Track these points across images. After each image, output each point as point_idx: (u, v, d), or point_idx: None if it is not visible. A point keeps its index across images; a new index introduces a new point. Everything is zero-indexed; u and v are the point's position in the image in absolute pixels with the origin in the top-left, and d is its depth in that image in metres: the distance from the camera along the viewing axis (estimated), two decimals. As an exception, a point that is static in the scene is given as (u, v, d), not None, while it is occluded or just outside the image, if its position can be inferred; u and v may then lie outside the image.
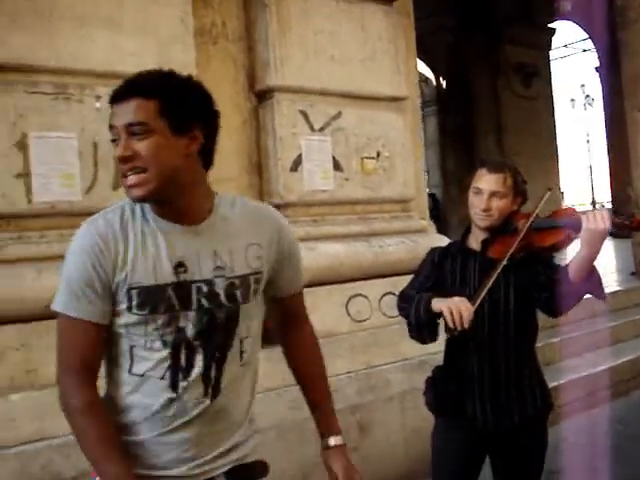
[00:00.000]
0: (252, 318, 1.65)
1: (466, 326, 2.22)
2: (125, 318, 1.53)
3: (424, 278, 2.64)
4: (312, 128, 4.13)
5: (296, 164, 4.06)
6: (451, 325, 2.25)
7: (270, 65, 4.05)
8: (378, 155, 4.41)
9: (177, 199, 1.53)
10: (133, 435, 1.58)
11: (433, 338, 2.50)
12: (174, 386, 1.55)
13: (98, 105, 3.43)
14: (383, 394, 4.03)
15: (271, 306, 1.78)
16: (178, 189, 1.52)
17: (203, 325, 1.55)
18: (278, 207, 4.02)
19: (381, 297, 4.19)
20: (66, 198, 3.32)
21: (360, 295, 4.11)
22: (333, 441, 1.86)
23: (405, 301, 2.58)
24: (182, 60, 3.70)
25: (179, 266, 1.53)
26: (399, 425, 4.09)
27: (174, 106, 1.50)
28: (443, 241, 4.49)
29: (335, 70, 4.22)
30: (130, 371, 1.56)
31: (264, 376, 3.65)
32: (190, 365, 1.55)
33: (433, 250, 2.72)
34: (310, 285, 3.93)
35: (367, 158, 4.35)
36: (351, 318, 4.06)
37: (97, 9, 3.45)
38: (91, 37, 3.45)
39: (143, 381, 1.55)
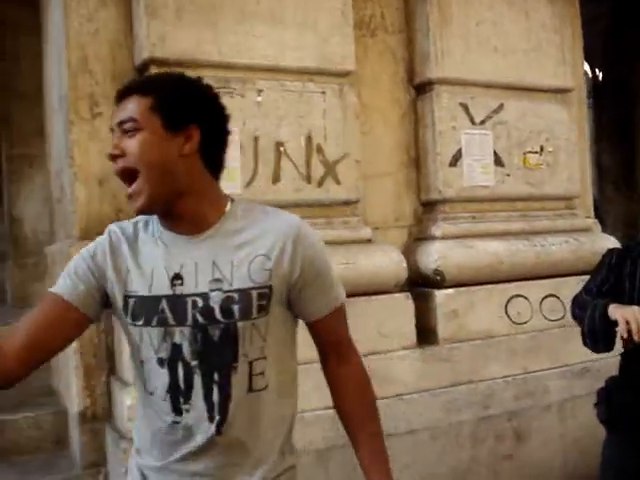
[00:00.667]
0: (266, 338, 1.44)
1: None
2: (131, 329, 1.47)
3: (600, 282, 2.45)
4: (472, 121, 3.98)
5: (455, 159, 3.92)
6: (625, 336, 2.08)
7: (430, 57, 3.93)
8: (541, 149, 4.19)
9: (177, 205, 1.43)
10: (147, 459, 1.52)
11: (608, 348, 2.32)
12: (176, 409, 1.44)
13: (259, 99, 3.46)
14: (541, 401, 3.83)
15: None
16: (176, 193, 1.42)
17: (198, 343, 1.41)
18: (436, 203, 3.95)
19: (542, 299, 3.98)
20: (227, 191, 3.34)
21: (520, 296, 3.92)
22: None
23: (579, 307, 2.41)
24: (341, 53, 3.67)
25: (175, 278, 1.43)
26: (557, 435, 3.88)
27: (168, 101, 1.42)
28: (610, 241, 4.22)
29: (498, 61, 4.05)
30: (144, 388, 1.49)
31: (418, 376, 3.63)
32: (189, 387, 1.42)
33: (610, 251, 2.53)
34: (468, 284, 3.85)
35: (530, 153, 4.15)
36: (510, 320, 3.88)
37: (258, 3, 3.47)
38: (253, 31, 3.47)
39: (152, 400, 1.47)
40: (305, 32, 3.59)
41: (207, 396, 1.41)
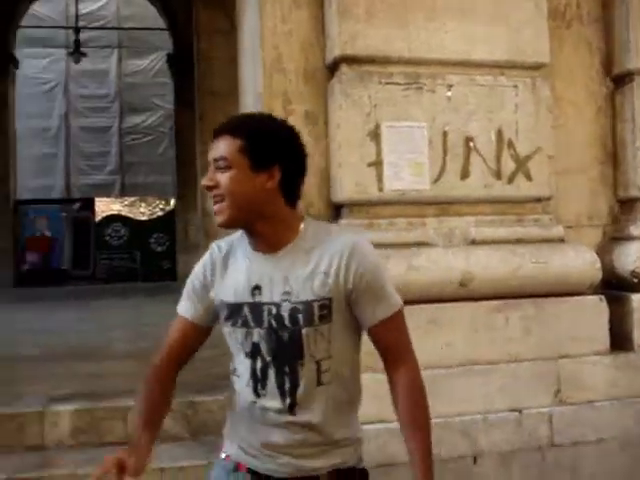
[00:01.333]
0: (331, 341, 1.71)
1: None
2: (224, 327, 1.78)
3: None
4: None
5: (655, 154, 3.68)
6: None
7: (630, 46, 3.72)
8: None
9: (258, 228, 1.71)
10: (234, 442, 1.81)
11: None
12: (256, 392, 1.73)
13: (449, 94, 3.42)
14: None
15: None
16: (258, 219, 1.69)
17: (272, 342, 1.70)
18: (636, 200, 3.72)
19: None
20: (415, 187, 3.36)
21: None
22: None
23: None
24: (534, 46, 3.56)
25: (255, 289, 1.72)
26: None
27: (256, 146, 1.66)
28: None
29: None
30: (234, 372, 1.80)
31: (610, 383, 3.45)
32: (265, 376, 1.72)
33: None
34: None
35: None
36: None
37: (448, -1, 3.44)
38: (444, 27, 3.44)
39: (240, 383, 1.77)
40: (496, 25, 3.51)
41: (280, 384, 1.71)
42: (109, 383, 4.41)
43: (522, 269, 3.33)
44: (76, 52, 15.54)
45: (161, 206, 17.35)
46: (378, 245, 3.17)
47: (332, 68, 3.43)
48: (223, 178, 1.67)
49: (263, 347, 1.72)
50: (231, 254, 1.80)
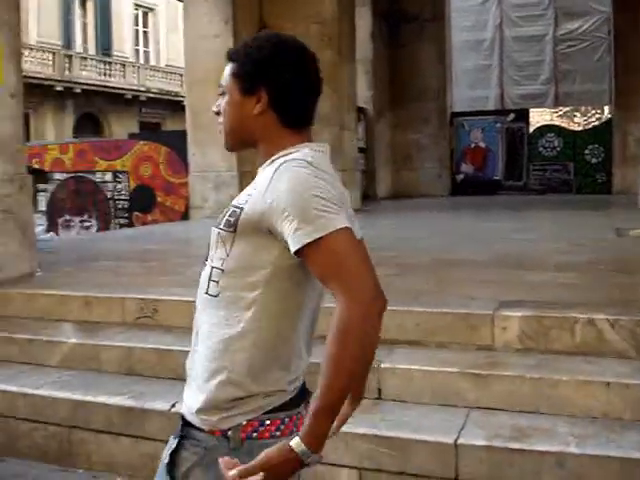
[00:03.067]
0: (229, 254, 1.60)
1: None
2: None
3: None
4: None
5: None
6: None
7: None
8: None
9: (259, 151, 1.69)
10: None
11: None
12: None
13: None
14: None
15: None
16: (255, 143, 1.69)
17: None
18: None
19: None
20: None
21: None
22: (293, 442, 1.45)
23: None
24: None
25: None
26: None
27: (242, 68, 1.65)
28: None
29: None
30: None
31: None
32: None
33: None
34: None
35: None
36: None
37: None
38: None
39: None
40: None
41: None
42: (554, 293, 4.48)
43: None
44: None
45: (597, 115, 16.61)
46: None
47: None
48: (222, 104, 1.71)
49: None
50: None
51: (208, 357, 1.61)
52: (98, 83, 26.62)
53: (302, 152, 1.61)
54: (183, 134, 11.24)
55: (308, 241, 1.46)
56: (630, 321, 3.67)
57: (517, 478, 3.09)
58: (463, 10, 17.51)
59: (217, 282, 1.61)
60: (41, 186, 13.20)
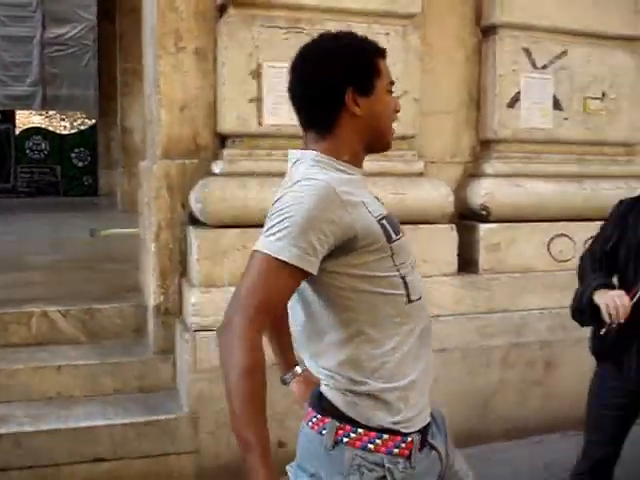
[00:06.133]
0: None
1: (621, 320, 2.31)
2: None
3: (603, 240, 2.58)
4: (534, 66, 4.14)
5: (514, 101, 4.12)
6: (608, 321, 2.34)
7: (496, 1, 4.08)
8: (603, 96, 4.31)
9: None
10: None
11: (590, 324, 2.57)
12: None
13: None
14: (574, 335, 4.06)
15: None
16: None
17: None
18: (492, 142, 4.17)
19: (587, 240, 4.18)
20: (292, 122, 3.70)
21: (564, 235, 4.14)
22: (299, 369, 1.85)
23: (580, 275, 2.59)
24: (406, -3, 3.86)
25: None
26: (587, 368, 4.13)
27: None
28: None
29: (563, 7, 4.14)
30: None
31: (456, 301, 3.94)
32: None
33: (621, 202, 2.61)
34: (513, 220, 4.09)
35: (591, 98, 4.28)
36: (552, 257, 4.13)
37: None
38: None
39: None
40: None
41: None
42: (17, 291, 4.73)
43: (382, 199, 3.74)
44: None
45: (84, 120, 17.18)
46: (259, 174, 3.57)
47: (221, 9, 3.69)
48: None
49: None
50: None
51: None
52: None
53: None
54: None
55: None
56: (80, 310, 4.16)
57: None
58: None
59: None
60: None
